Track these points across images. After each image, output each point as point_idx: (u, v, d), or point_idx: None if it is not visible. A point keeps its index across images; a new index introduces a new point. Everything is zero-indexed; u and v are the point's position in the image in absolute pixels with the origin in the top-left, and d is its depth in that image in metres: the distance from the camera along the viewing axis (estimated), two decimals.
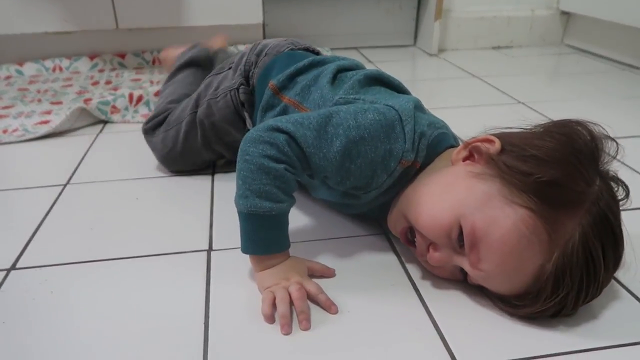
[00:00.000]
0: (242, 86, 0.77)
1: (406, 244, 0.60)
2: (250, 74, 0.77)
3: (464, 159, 0.56)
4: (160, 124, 0.85)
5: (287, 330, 0.51)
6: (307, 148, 0.55)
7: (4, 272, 0.61)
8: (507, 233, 0.48)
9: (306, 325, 0.51)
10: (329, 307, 0.54)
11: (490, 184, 0.51)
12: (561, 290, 0.47)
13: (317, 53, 0.80)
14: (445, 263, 0.54)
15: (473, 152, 0.55)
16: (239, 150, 0.56)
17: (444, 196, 0.53)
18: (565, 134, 0.51)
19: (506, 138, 0.54)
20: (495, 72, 1.48)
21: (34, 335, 0.51)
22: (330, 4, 1.70)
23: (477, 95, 1.28)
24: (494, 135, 0.55)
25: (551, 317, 0.51)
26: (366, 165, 0.56)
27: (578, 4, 1.65)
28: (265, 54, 0.77)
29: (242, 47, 1.56)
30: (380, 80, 0.68)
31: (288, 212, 0.57)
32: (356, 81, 0.65)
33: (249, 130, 0.77)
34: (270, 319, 0.52)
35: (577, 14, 1.70)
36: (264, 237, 0.56)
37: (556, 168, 0.48)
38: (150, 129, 0.86)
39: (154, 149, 0.86)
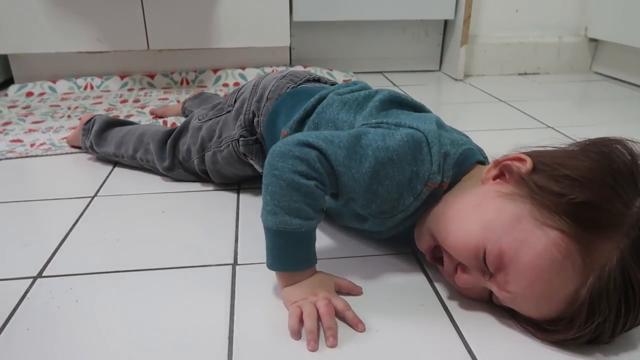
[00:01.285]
0: (241, 138, 0.76)
1: (432, 261, 0.59)
2: (255, 122, 0.76)
3: (494, 178, 0.54)
4: (173, 155, 0.85)
5: (313, 346, 0.49)
6: (338, 166, 0.54)
7: (31, 280, 0.61)
8: (537, 257, 0.46)
9: (333, 342, 0.50)
10: (356, 324, 0.52)
11: (520, 204, 0.49)
12: (597, 317, 0.45)
13: (318, 80, 0.79)
14: (472, 284, 0.53)
15: (504, 171, 0.54)
16: (266, 163, 0.55)
17: (473, 217, 0.52)
18: (602, 153, 0.49)
19: (538, 157, 0.52)
20: (522, 97, 1.46)
21: (58, 343, 0.51)
22: (356, 28, 1.72)
23: (504, 118, 1.27)
24: (526, 153, 0.53)
25: (586, 344, 0.49)
26: (393, 187, 0.55)
27: (607, 31, 1.64)
28: (267, 99, 0.75)
29: (268, 70, 1.58)
30: (396, 102, 0.67)
31: (316, 227, 0.56)
32: (373, 107, 0.64)
33: (259, 172, 0.78)
34: (297, 334, 0.51)
35: (605, 41, 1.68)
36: (291, 254, 0.55)
37: (591, 189, 0.46)
38: (168, 169, 0.86)
39: (182, 177, 0.88)
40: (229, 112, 0.80)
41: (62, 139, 1.09)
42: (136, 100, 1.41)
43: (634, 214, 0.46)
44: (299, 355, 0.49)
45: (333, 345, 0.50)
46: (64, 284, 0.60)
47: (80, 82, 1.53)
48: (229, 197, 0.83)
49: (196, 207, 0.80)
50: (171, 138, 0.85)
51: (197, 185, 0.87)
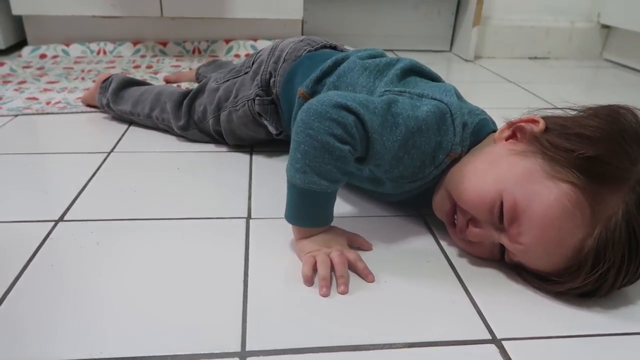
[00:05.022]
0: (257, 97, 0.78)
1: (451, 226, 0.60)
2: (272, 82, 0.78)
3: (507, 138, 0.57)
4: (189, 115, 0.87)
5: (325, 292, 0.52)
6: (373, 133, 0.54)
7: (53, 223, 0.63)
8: (549, 206, 0.49)
9: (344, 289, 0.52)
10: (367, 275, 0.55)
11: (533, 160, 0.52)
12: (602, 265, 0.47)
13: (335, 47, 0.80)
14: (484, 238, 0.55)
15: (516, 132, 0.56)
16: (299, 120, 0.54)
17: (487, 173, 0.54)
18: (611, 115, 0.52)
19: (551, 118, 0.55)
20: (532, 79, 1.47)
21: (82, 278, 0.53)
22: (369, 5, 1.72)
23: (513, 98, 1.28)
24: (540, 116, 0.56)
25: (587, 295, 0.51)
26: (418, 156, 0.57)
27: (620, 17, 1.64)
28: (284, 60, 0.77)
29: None
30: (415, 72, 0.69)
31: (337, 190, 0.58)
32: (394, 75, 0.65)
33: (272, 133, 0.80)
34: (310, 281, 0.53)
35: (618, 27, 1.68)
36: (313, 212, 0.57)
37: (600, 145, 0.49)
38: (183, 128, 0.88)
39: (197, 138, 0.89)
40: (246, 73, 0.82)
41: (77, 98, 1.10)
42: (149, 67, 1.42)
43: (638, 171, 0.48)
44: (311, 300, 0.51)
45: (344, 292, 0.52)
46: (84, 227, 0.62)
47: (94, 46, 1.54)
48: (242, 157, 0.85)
49: (210, 166, 0.82)
50: (188, 98, 0.86)
51: (211, 146, 0.88)
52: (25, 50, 1.49)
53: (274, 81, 0.77)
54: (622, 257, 0.47)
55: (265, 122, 0.80)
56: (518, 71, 1.58)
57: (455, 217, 0.59)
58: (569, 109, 0.56)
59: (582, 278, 0.48)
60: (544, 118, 0.55)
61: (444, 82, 0.69)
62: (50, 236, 0.60)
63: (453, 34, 1.79)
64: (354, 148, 0.54)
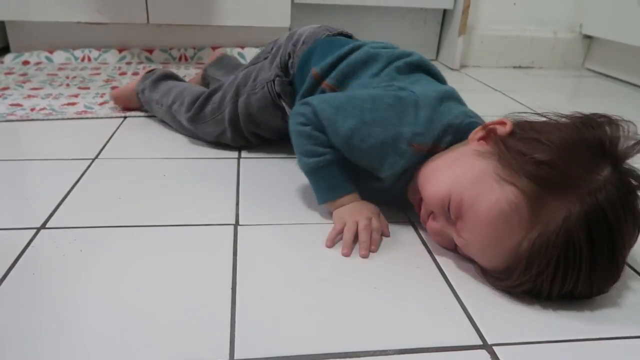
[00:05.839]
0: (277, 78, 0.80)
1: (418, 212, 0.64)
2: (290, 64, 0.80)
3: (479, 139, 0.58)
4: (201, 107, 0.86)
5: (346, 252, 0.59)
6: (324, 120, 0.63)
7: (34, 230, 0.61)
8: (488, 208, 0.50)
9: (364, 253, 0.59)
10: (372, 243, 0.60)
11: (489, 162, 0.53)
12: (533, 269, 0.48)
13: (350, 36, 0.84)
14: (439, 231, 0.58)
15: (489, 133, 0.57)
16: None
17: (448, 171, 0.57)
18: (582, 124, 0.52)
19: (522, 123, 0.55)
20: (517, 88, 1.49)
21: (65, 287, 0.52)
22: (356, 13, 1.72)
23: (499, 106, 1.29)
24: (513, 119, 0.57)
25: (532, 295, 0.51)
26: (377, 145, 0.61)
27: (602, 28, 1.67)
28: (303, 42, 0.80)
29: None
30: (422, 68, 0.71)
31: (335, 162, 0.64)
32: (394, 68, 0.69)
33: (287, 117, 0.82)
34: (331, 241, 0.61)
35: (599, 38, 1.71)
36: (325, 186, 0.66)
37: (553, 151, 0.49)
38: (191, 119, 0.87)
39: (206, 134, 0.88)
40: (265, 59, 0.84)
41: (113, 88, 1.08)
42: (135, 73, 1.41)
43: (594, 181, 0.47)
44: (300, 306, 0.51)
45: (364, 256, 0.59)
46: (67, 235, 0.61)
47: (78, 53, 1.52)
48: (230, 164, 0.84)
49: (197, 172, 0.81)
50: (207, 92, 0.87)
51: (197, 153, 0.88)
52: (8, 58, 1.47)
53: (292, 62, 0.80)
54: (556, 264, 0.47)
55: (284, 104, 0.81)
56: (503, 80, 1.59)
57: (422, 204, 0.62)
58: (542, 115, 0.56)
59: (515, 277, 0.50)
60: (515, 122, 0.55)
61: (446, 84, 0.72)
62: (32, 244, 0.59)
63: (439, 43, 1.81)
64: (317, 129, 0.64)
